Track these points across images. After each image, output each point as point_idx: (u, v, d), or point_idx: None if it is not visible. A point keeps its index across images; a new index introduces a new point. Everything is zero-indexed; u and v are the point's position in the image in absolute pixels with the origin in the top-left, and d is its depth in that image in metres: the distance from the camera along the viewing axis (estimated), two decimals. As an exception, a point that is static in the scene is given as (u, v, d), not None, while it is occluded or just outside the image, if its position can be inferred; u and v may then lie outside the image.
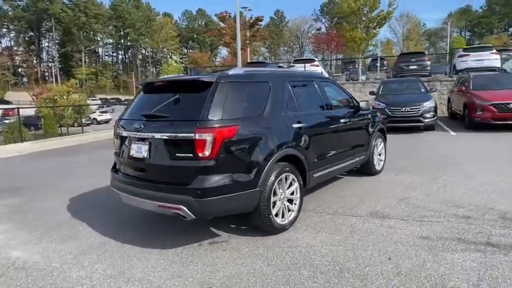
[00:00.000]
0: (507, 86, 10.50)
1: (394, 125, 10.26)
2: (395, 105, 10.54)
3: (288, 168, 3.65)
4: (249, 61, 26.86)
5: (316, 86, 4.59)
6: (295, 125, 3.84)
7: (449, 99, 13.38)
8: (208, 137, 3.00)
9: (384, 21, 20.73)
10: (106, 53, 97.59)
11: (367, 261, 3.02)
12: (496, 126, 9.71)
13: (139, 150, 3.40)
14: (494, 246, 3.19)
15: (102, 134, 14.17)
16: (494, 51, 16.25)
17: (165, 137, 3.18)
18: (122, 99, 64.35)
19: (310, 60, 19.62)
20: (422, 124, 10.35)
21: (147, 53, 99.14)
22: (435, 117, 10.57)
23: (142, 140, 3.38)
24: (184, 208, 3.06)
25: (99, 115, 33.39)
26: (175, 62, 79.82)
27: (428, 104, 10.37)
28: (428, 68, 16.96)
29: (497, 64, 15.74)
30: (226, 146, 3.09)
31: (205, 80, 3.29)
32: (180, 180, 3.15)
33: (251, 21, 28.01)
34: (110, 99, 62.01)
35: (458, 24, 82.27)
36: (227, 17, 27.40)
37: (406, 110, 10.37)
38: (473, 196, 4.58)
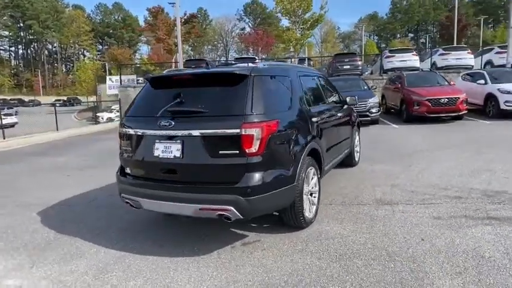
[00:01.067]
0: (434, 83, 11.99)
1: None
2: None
3: (311, 162, 3.68)
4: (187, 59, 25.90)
5: (317, 80, 4.71)
6: (314, 119, 3.89)
7: (383, 96, 14.74)
8: (255, 132, 2.88)
9: (316, 23, 21.96)
10: (1, 47, 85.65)
11: (405, 244, 3.21)
12: (429, 118, 11.02)
13: (168, 150, 3.10)
14: (496, 219, 3.64)
15: (33, 138, 12.50)
16: (414, 52, 18.46)
17: (207, 134, 2.96)
18: (26, 100, 57.03)
19: (251, 59, 19.80)
20: (369, 118, 11.25)
21: (54, 49, 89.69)
22: (380, 112, 11.59)
23: (171, 138, 3.09)
24: (233, 208, 2.88)
25: (4, 118, 29.16)
26: (89, 59, 73.64)
27: (373, 100, 11.31)
28: (360, 68, 18.46)
29: (417, 64, 17.85)
30: (270, 141, 3.00)
31: (240, 73, 3.14)
32: (225, 179, 2.97)
33: (185, 17, 27.28)
34: (10, 100, 54.42)
35: (367, 28, 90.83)
36: (160, 11, 26.24)
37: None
38: (450, 179, 5.14)
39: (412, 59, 17.87)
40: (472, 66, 17.29)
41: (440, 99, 10.68)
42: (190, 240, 3.54)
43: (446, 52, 17.77)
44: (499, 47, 19.21)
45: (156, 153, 3.15)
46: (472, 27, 55.11)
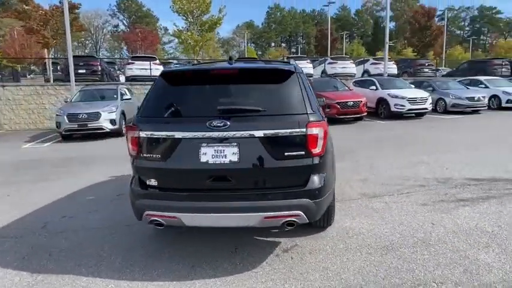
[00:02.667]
0: (337, 88, 13.52)
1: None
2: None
3: (331, 161, 3.76)
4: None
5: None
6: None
7: None
8: (319, 132, 2.79)
9: (214, 26, 22.04)
10: None
11: (422, 229, 3.59)
12: (338, 120, 12.37)
13: (221, 155, 2.71)
14: (466, 200, 4.40)
15: None
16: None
17: (270, 135, 2.70)
18: None
19: (151, 58, 18.60)
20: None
21: None
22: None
23: (225, 140, 2.72)
24: (302, 213, 2.73)
25: None
26: None
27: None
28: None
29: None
30: (327, 141, 2.95)
31: (286, 69, 2.99)
32: (291, 183, 2.78)
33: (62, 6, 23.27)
34: None
35: (245, 35, 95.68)
36: (29, -3, 21.85)
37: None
38: (401, 171, 5.92)
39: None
40: (355, 74, 20.06)
41: (347, 102, 12.11)
42: (222, 255, 3.19)
43: (334, 61, 20.25)
44: (374, 58, 22.84)
45: (204, 158, 2.73)
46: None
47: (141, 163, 2.92)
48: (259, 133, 2.70)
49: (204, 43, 22.15)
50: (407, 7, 72.98)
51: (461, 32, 75.96)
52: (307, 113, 2.80)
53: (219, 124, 2.72)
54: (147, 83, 17.12)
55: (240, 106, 2.81)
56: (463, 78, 16.98)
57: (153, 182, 2.89)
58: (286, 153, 2.74)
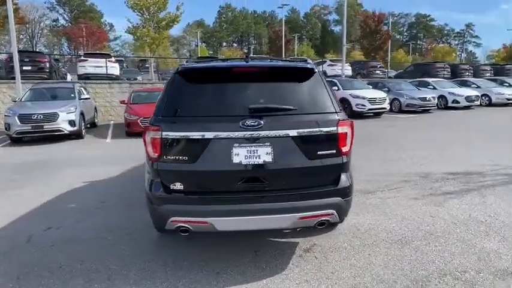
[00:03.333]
0: None
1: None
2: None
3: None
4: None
5: None
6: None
7: None
8: (348, 130, 2.82)
9: (172, 24, 21.39)
10: None
11: (425, 222, 3.80)
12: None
13: (254, 155, 2.62)
14: (451, 193, 4.73)
15: None
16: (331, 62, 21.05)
17: (304, 134, 2.67)
18: None
19: (106, 55, 17.54)
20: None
21: None
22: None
23: (258, 140, 2.64)
24: (335, 212, 2.73)
25: None
26: None
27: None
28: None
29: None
30: (352, 140, 2.98)
31: (310, 68, 2.97)
32: (323, 182, 2.78)
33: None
34: None
35: (195, 34, 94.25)
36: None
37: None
38: (384, 167, 6.22)
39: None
40: None
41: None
42: (244, 259, 3.09)
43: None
44: (330, 60, 23.57)
45: (237, 159, 2.62)
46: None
47: (165, 166, 2.72)
48: (293, 132, 2.65)
49: (161, 41, 21.42)
50: (352, 12, 76.76)
51: (401, 37, 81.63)
52: (336, 112, 2.82)
53: (253, 123, 2.63)
54: (103, 81, 16.22)
55: (272, 105, 2.73)
56: (413, 80, 18.28)
57: (178, 185, 2.71)
58: (318, 152, 2.73)
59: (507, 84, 18.61)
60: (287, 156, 2.68)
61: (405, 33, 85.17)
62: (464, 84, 18.34)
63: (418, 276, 2.76)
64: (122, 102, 12.43)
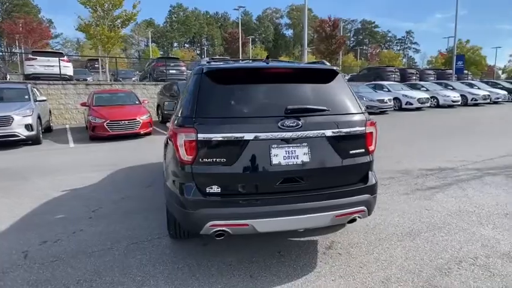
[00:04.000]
0: None
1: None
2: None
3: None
4: None
5: None
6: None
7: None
8: (373, 130, 2.96)
9: (128, 22, 20.47)
10: None
11: (423, 215, 4.08)
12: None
13: (292, 156, 2.65)
14: (434, 188, 5.12)
15: None
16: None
17: (338, 134, 2.76)
18: None
19: (59, 54, 16.31)
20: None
21: None
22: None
23: (295, 141, 2.67)
24: (366, 209, 2.85)
25: None
26: None
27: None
28: (185, 74, 18.77)
29: None
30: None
31: (334, 69, 3.07)
32: (353, 180, 2.88)
33: None
34: None
35: (145, 34, 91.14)
36: None
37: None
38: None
39: None
40: None
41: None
42: (272, 261, 3.11)
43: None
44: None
45: (276, 160, 2.63)
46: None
47: (200, 169, 2.65)
48: (328, 132, 2.73)
49: (117, 40, 20.41)
50: (302, 16, 79.34)
51: (348, 42, 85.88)
52: (363, 112, 2.95)
53: (291, 124, 2.66)
54: (56, 82, 15.12)
55: (309, 106, 2.78)
56: (369, 83, 19.35)
57: (215, 188, 2.65)
58: (350, 152, 2.83)
59: (451, 88, 20.48)
60: (323, 156, 2.74)
61: (352, 39, 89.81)
62: (415, 87, 19.84)
63: (438, 264, 2.98)
64: (83, 104, 11.71)
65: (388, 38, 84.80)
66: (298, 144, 2.69)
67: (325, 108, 2.81)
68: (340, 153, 2.78)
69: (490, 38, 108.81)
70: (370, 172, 2.98)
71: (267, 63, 3.25)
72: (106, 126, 10.01)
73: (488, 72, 53.16)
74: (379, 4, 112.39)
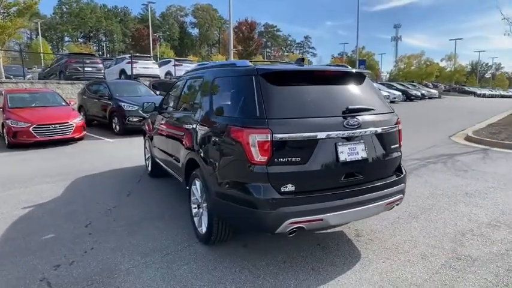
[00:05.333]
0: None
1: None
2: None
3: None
4: None
5: None
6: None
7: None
8: (401, 127, 3.39)
9: (27, 11, 17.74)
10: None
11: (410, 199, 4.74)
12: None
13: (354, 152, 2.90)
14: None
15: None
16: (154, 61, 19.38)
17: (384, 131, 3.11)
18: None
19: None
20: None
21: None
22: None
23: (356, 138, 2.93)
24: (403, 196, 3.26)
25: None
26: None
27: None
28: (103, 71, 17.20)
29: (157, 72, 18.98)
30: None
31: (363, 72, 3.39)
32: (392, 171, 3.25)
33: None
34: None
35: (30, 26, 79.56)
36: None
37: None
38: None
39: (153, 67, 18.74)
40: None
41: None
42: (318, 254, 3.31)
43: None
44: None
45: (342, 157, 2.85)
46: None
47: (276, 169, 2.70)
48: (378, 130, 3.07)
49: (14, 30, 17.48)
50: (208, 16, 79.34)
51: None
52: (393, 111, 3.35)
53: (354, 123, 2.91)
54: None
55: (364, 106, 3.06)
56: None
57: (289, 187, 2.73)
58: (391, 146, 3.21)
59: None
60: (374, 151, 3.06)
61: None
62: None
63: (450, 237, 3.58)
64: None
65: (289, 42, 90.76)
66: (358, 141, 2.96)
67: (373, 108, 3.13)
68: (385, 148, 3.14)
69: (376, 45, 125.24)
70: (400, 164, 3.41)
71: (302, 66, 3.42)
72: (32, 131, 8.68)
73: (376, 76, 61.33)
74: (279, 9, 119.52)
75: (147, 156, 6.32)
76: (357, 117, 2.98)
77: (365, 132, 2.98)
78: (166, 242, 3.56)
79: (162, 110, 5.34)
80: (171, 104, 4.98)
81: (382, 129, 3.11)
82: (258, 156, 2.68)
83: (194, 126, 3.62)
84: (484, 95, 45.71)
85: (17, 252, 3.38)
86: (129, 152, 8.25)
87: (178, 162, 4.14)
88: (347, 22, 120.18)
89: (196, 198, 3.63)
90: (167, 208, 4.53)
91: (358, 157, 2.94)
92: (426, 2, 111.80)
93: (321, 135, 2.78)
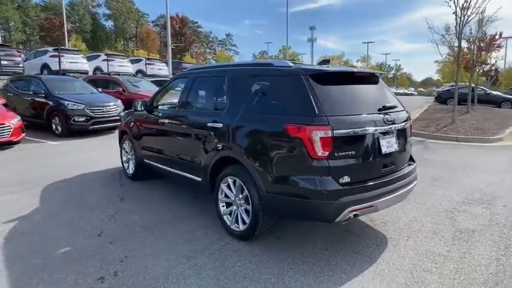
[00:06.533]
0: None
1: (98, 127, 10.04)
2: (94, 105, 9.99)
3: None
4: None
5: None
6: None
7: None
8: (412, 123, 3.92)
9: None
10: None
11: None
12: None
13: (389, 144, 3.30)
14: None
15: None
16: (82, 55, 17.60)
17: (407, 126, 3.57)
18: None
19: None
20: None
21: None
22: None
23: (391, 132, 3.34)
24: (416, 182, 3.78)
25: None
26: None
27: (119, 104, 10.82)
28: (21, 65, 15.15)
29: (86, 67, 17.36)
30: None
31: (380, 73, 3.80)
32: (410, 160, 3.76)
33: None
34: None
35: None
36: None
37: (106, 110, 10.22)
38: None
39: (82, 62, 17.14)
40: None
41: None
42: (350, 237, 3.65)
43: (111, 59, 18.12)
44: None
45: (384, 149, 3.23)
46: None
47: (336, 162, 2.95)
48: (402, 125, 3.52)
49: None
50: (125, 8, 74.50)
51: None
52: (405, 108, 3.83)
53: (390, 119, 3.33)
54: None
55: (393, 103, 3.49)
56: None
57: (346, 178, 2.99)
58: (408, 139, 3.68)
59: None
60: (402, 143, 3.51)
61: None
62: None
63: (444, 215, 4.24)
64: None
65: (211, 39, 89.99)
66: (392, 135, 3.37)
67: (397, 105, 3.57)
68: (405, 141, 3.62)
69: (294, 46, 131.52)
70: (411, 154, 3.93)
71: (328, 66, 3.70)
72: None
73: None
74: (198, 5, 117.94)
75: (125, 159, 5.96)
76: (390, 113, 3.38)
77: (395, 127, 3.41)
78: (202, 242, 3.53)
79: (153, 109, 5.12)
80: (177, 103, 4.78)
81: (404, 124, 3.57)
82: (320, 151, 2.89)
83: (225, 124, 3.62)
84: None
85: (42, 272, 3.02)
86: (86, 155, 7.59)
87: (196, 162, 4.07)
88: (263, 22, 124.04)
89: (227, 196, 3.66)
90: (173, 210, 4.41)
91: (392, 149, 3.35)
92: (337, 7, 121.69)
93: (370, 130, 3.12)
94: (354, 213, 3.01)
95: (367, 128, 3.11)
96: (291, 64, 3.39)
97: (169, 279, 2.89)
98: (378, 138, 3.21)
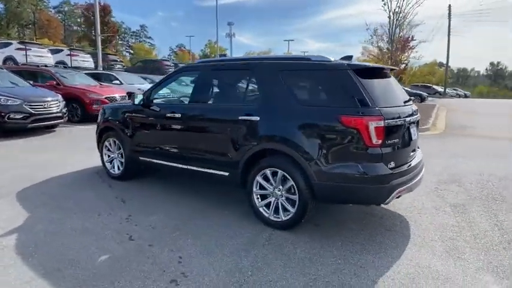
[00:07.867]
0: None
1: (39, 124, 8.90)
2: (34, 100, 8.78)
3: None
4: None
5: None
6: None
7: None
8: None
9: None
10: None
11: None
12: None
13: (414, 133, 3.76)
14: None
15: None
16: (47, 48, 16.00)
17: (419, 118, 4.06)
18: None
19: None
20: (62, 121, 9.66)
21: None
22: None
23: (415, 122, 3.82)
24: None
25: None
26: None
27: (60, 99, 9.67)
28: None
29: (51, 61, 15.61)
30: None
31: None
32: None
33: None
34: None
35: None
36: None
37: (48, 106, 9.07)
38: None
39: (47, 56, 15.95)
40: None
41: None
42: (384, 220, 4.03)
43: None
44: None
45: (413, 137, 3.69)
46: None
47: (385, 150, 3.26)
48: (418, 115, 3.98)
49: None
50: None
51: (79, 28, 78.17)
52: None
53: (415, 110, 3.81)
54: None
55: (408, 97, 3.93)
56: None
57: (392, 164, 3.32)
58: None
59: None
60: (417, 132, 3.97)
61: (83, 24, 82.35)
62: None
63: (435, 194, 4.90)
64: None
65: (124, 30, 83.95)
66: (415, 124, 3.83)
67: (411, 98, 4.06)
68: (418, 129, 4.10)
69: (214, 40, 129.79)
70: None
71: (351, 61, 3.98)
72: None
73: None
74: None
75: (107, 158, 5.48)
76: (412, 106, 3.83)
77: (417, 117, 3.88)
78: (245, 235, 3.54)
79: (150, 103, 4.81)
80: (176, 97, 4.59)
81: (418, 115, 4.06)
82: (374, 140, 3.17)
83: (263, 117, 3.64)
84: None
85: (96, 282, 2.72)
86: (44, 157, 6.72)
87: (222, 156, 3.99)
88: (179, 14, 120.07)
89: (263, 188, 3.72)
90: (186, 207, 4.29)
91: (415, 137, 3.82)
92: (251, 3, 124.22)
93: (407, 120, 3.53)
94: (398, 194, 3.37)
95: (405, 118, 3.51)
96: (331, 59, 3.59)
97: (242, 273, 2.87)
98: (408, 127, 3.63)
